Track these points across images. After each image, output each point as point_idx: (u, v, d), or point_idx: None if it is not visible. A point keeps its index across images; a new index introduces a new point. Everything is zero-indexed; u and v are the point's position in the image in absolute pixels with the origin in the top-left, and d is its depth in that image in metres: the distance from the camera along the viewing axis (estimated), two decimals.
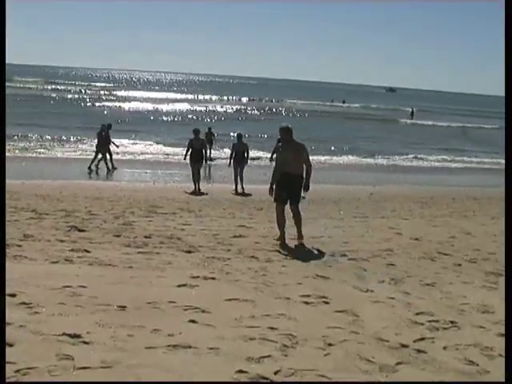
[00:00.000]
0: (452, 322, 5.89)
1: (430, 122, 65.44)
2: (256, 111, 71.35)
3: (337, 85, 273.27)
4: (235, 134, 21.20)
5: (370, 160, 32.18)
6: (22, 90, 78.00)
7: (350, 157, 32.47)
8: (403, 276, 7.86)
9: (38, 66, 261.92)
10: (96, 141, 24.51)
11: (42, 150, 29.28)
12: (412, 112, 78.42)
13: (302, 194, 10.47)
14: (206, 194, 18.41)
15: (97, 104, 68.16)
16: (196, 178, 19.19)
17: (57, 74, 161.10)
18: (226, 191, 18.82)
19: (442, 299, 6.83)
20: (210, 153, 27.82)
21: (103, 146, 23.96)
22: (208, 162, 23.91)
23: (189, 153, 19.57)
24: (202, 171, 19.97)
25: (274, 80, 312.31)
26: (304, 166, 10.27)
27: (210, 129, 29.20)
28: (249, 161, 20.04)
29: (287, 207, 10.30)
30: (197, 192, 18.64)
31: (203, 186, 19.45)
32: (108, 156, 24.13)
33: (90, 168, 23.63)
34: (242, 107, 75.63)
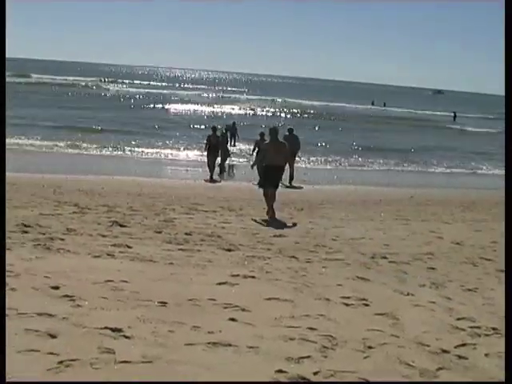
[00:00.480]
0: (494, 329, 5.78)
1: (470, 129, 61.85)
2: (293, 113, 66.69)
3: (380, 86, 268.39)
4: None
5: (405, 163, 31.56)
6: (84, 88, 78.31)
7: (388, 160, 31.75)
8: (444, 280, 7.77)
9: (88, 64, 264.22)
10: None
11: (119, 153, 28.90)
12: (454, 116, 76.62)
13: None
14: (219, 181, 21.49)
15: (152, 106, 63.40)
16: (211, 169, 21.92)
17: (113, 72, 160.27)
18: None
19: (483, 305, 6.73)
20: (235, 143, 31.64)
21: (223, 146, 23.47)
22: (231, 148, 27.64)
23: (207, 147, 22.22)
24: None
25: (309, 80, 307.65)
26: (284, 159, 13.45)
27: (234, 123, 32.58)
28: None
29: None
30: (211, 180, 21.45)
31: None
32: (220, 158, 23.47)
33: (222, 171, 23.96)
34: (277, 109, 69.88)
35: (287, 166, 15.80)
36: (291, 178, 21.09)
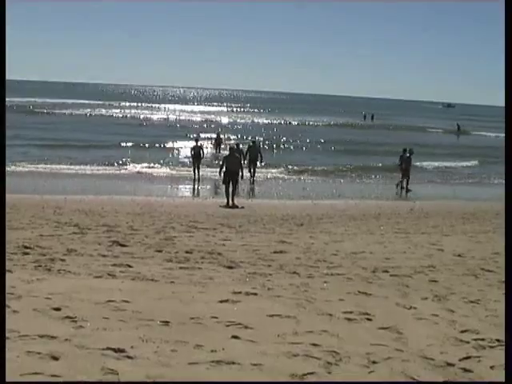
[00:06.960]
0: (498, 341, 5.73)
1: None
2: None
3: (391, 101, 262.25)
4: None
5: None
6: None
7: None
8: (447, 293, 7.74)
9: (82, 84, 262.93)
10: (399, 162, 26.68)
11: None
12: (458, 128, 71.90)
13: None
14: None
15: None
16: (197, 171, 26.58)
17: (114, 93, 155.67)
18: (265, 207, 18.84)
19: (487, 317, 6.70)
20: (220, 151, 35.17)
21: (406, 168, 26.04)
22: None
23: (191, 154, 26.95)
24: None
25: (307, 95, 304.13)
26: (239, 166, 20.36)
27: (218, 134, 37.17)
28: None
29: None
30: (198, 179, 26.32)
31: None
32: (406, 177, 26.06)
33: (397, 186, 26.48)
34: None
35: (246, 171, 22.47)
36: (252, 180, 26.14)
